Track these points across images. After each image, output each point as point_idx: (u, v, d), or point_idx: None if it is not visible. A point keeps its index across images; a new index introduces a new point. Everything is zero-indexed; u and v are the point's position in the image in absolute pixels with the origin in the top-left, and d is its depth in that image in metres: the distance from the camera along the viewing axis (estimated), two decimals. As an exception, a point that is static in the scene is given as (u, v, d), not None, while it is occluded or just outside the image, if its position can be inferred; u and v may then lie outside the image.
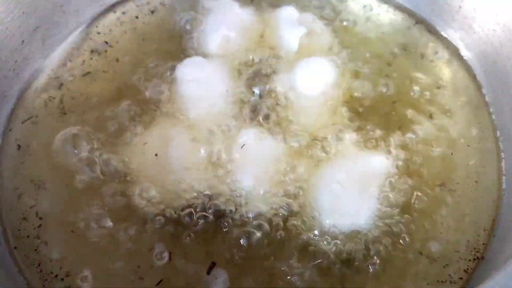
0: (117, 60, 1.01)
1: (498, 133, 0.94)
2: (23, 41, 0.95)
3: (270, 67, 0.97)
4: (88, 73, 0.99)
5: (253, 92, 0.94)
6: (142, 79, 0.97)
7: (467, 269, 0.81)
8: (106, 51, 1.02)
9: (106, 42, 1.03)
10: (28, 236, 0.83)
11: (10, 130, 0.93)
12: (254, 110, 0.92)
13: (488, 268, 0.78)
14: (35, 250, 0.82)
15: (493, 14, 0.95)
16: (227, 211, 0.82)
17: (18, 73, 0.96)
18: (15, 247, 0.83)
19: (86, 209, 0.84)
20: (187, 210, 0.82)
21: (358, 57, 1.00)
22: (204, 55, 0.97)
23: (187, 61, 0.95)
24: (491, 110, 0.96)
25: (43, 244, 0.83)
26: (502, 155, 0.92)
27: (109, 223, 0.82)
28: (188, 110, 0.91)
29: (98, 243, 0.81)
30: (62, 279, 0.80)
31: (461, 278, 0.80)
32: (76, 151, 0.88)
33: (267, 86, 0.95)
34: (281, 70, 0.96)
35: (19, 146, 0.91)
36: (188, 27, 1.04)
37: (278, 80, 0.95)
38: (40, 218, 0.84)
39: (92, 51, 1.02)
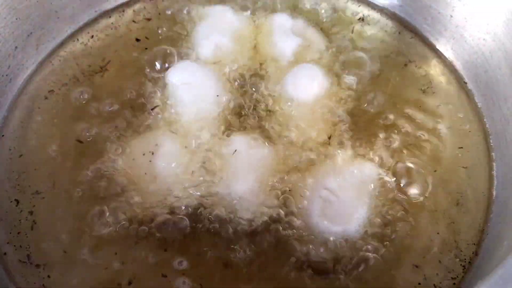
0: (110, 64, 1.01)
1: (490, 141, 0.94)
2: (16, 47, 0.96)
3: (262, 74, 0.97)
4: (83, 78, 0.99)
5: (245, 98, 0.94)
6: (134, 84, 0.97)
7: (455, 278, 0.81)
8: (100, 56, 1.02)
9: (101, 48, 1.03)
10: (21, 246, 0.83)
11: (3, 136, 0.93)
12: (246, 116, 0.92)
13: (475, 277, 0.78)
14: (24, 261, 0.82)
15: (483, 24, 0.95)
16: (218, 217, 0.82)
17: (11, 78, 0.96)
18: (4, 253, 0.83)
19: (81, 216, 0.84)
20: (178, 216, 0.83)
21: (350, 65, 1.00)
22: (197, 61, 0.98)
23: (178, 65, 0.96)
24: (483, 119, 0.96)
25: (36, 254, 0.82)
26: (494, 164, 0.92)
27: (104, 231, 0.82)
28: (179, 115, 0.91)
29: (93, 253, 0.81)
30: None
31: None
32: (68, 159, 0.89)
33: (259, 92, 0.95)
34: (273, 77, 0.97)
35: (12, 153, 0.91)
36: (182, 32, 1.04)
37: (270, 87, 0.96)
38: (34, 224, 0.84)
39: (86, 56, 1.02)
